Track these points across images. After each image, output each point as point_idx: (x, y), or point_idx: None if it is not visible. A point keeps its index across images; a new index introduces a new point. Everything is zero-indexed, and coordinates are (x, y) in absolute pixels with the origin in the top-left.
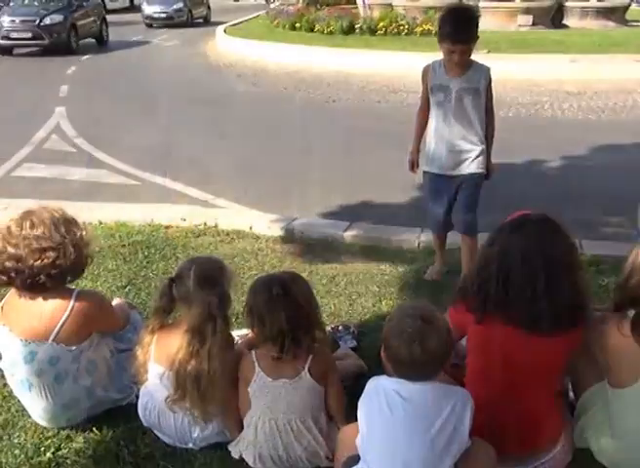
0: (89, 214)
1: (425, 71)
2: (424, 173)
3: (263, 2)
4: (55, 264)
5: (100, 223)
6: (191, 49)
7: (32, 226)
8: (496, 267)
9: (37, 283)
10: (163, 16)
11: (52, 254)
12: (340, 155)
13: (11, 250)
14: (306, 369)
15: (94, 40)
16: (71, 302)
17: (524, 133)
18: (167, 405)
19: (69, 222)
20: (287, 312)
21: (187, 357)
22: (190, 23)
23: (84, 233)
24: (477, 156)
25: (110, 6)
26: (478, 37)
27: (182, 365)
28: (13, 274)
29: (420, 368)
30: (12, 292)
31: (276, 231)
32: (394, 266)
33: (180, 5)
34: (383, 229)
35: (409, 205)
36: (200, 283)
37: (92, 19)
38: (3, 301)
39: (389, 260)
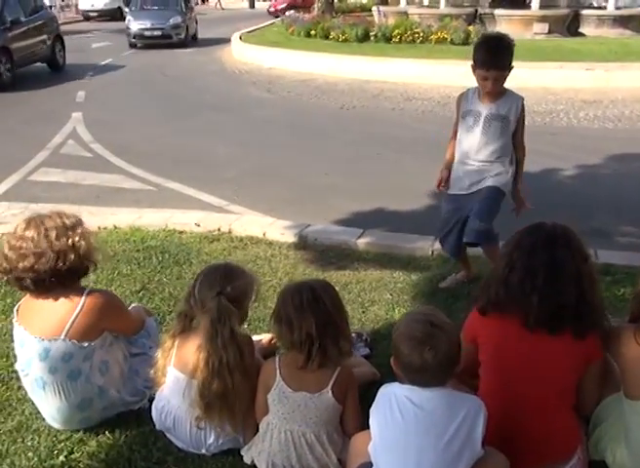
0: (104, 218)
1: (459, 98)
2: (446, 195)
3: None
4: (33, 268)
5: (115, 228)
6: (206, 56)
7: (26, 229)
8: (504, 263)
9: (23, 285)
10: (157, 33)
11: (31, 260)
12: (354, 162)
13: (7, 251)
14: (330, 386)
15: (45, 65)
16: (82, 299)
17: (539, 141)
18: (195, 423)
19: (66, 229)
20: (316, 318)
21: (209, 376)
22: (187, 43)
23: (77, 240)
24: (497, 174)
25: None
26: (512, 67)
27: (206, 385)
28: (8, 275)
29: (431, 373)
30: (27, 296)
31: (290, 237)
32: (407, 274)
33: (178, 19)
34: (397, 237)
35: (423, 212)
36: (201, 292)
37: (39, 38)
38: (19, 303)
39: (403, 268)
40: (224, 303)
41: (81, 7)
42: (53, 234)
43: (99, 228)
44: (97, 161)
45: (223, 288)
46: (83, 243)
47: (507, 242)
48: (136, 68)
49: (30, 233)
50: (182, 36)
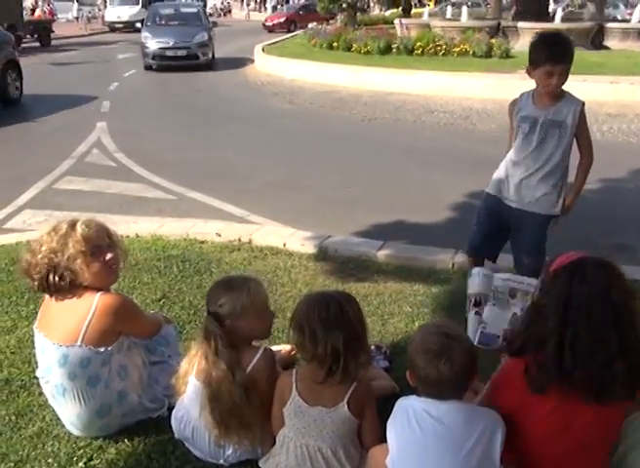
0: (126, 227)
1: (512, 104)
2: (486, 194)
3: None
4: (29, 273)
5: (137, 237)
6: (229, 67)
7: (43, 235)
8: (556, 322)
9: (41, 286)
10: (181, 53)
11: (31, 265)
12: (375, 174)
13: (27, 256)
14: (345, 400)
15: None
16: (94, 302)
17: None
18: (214, 441)
19: (61, 243)
20: (343, 333)
21: (210, 393)
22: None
23: (67, 255)
24: (547, 195)
25: None
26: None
27: (212, 402)
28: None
29: (447, 385)
30: (46, 300)
31: (310, 248)
32: (428, 287)
33: (205, 36)
34: (417, 249)
35: (443, 225)
36: (207, 306)
37: None
38: (40, 309)
39: (423, 281)
40: (209, 322)
41: (107, 18)
42: (55, 244)
43: (121, 236)
44: (120, 170)
45: (214, 305)
46: (69, 259)
47: (545, 288)
48: (159, 79)
49: (45, 238)
50: (210, 56)
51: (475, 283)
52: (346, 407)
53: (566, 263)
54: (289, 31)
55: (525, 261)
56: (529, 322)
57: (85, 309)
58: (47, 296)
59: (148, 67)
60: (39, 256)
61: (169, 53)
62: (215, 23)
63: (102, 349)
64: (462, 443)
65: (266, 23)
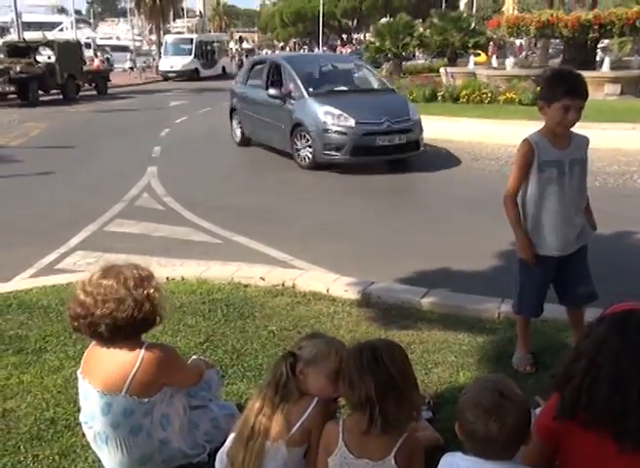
0: (172, 270)
1: (528, 148)
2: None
3: None
4: (111, 315)
5: (183, 279)
6: None
7: (104, 277)
8: (584, 363)
9: (96, 332)
10: (400, 141)
11: (111, 306)
12: (419, 220)
13: (83, 297)
14: (393, 454)
15: None
16: (141, 354)
17: (611, 203)
18: None
19: (142, 280)
20: (376, 380)
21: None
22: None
23: (152, 292)
24: (585, 225)
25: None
26: None
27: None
28: (82, 320)
29: (496, 446)
30: (92, 346)
31: (353, 295)
32: (473, 336)
33: (416, 112)
34: (462, 298)
35: (489, 273)
36: None
37: None
38: (85, 354)
39: (468, 330)
40: (282, 357)
41: (161, 68)
42: (131, 283)
43: (167, 279)
44: (168, 214)
45: (295, 346)
46: (157, 295)
47: (588, 332)
48: (208, 125)
49: (109, 281)
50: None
51: None
52: (393, 460)
53: (614, 312)
54: None
55: (584, 291)
56: (569, 360)
57: (131, 360)
58: (93, 343)
59: (320, 166)
60: (119, 314)
61: (381, 141)
62: None
63: (146, 400)
64: None
65: None
